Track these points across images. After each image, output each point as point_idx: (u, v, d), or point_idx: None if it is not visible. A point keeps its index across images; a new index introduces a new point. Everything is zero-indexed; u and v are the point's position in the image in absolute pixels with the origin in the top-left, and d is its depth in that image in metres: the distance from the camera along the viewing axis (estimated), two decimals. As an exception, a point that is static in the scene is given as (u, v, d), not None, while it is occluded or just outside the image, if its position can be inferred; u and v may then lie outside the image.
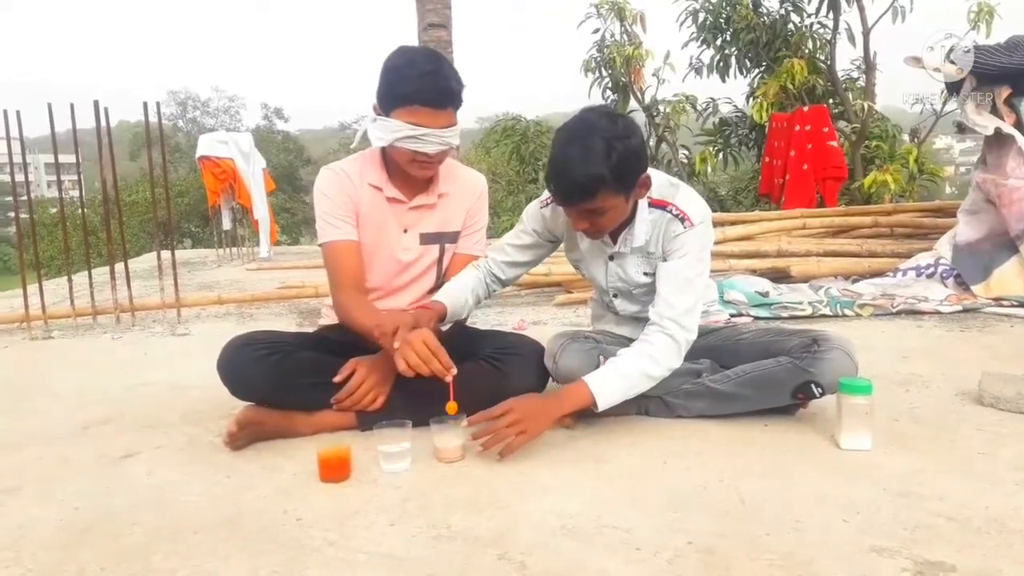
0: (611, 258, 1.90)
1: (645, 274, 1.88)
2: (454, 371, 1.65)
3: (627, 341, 2.00)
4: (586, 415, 1.85)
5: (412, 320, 1.72)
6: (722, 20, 8.24)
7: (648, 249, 1.84)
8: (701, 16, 8.37)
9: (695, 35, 8.46)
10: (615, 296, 1.98)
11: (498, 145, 13.03)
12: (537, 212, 1.95)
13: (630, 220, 1.81)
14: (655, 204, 1.80)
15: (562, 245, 2.04)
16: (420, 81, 1.74)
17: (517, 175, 12.81)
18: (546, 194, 1.92)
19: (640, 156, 1.70)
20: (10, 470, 1.71)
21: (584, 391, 1.68)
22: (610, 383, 1.70)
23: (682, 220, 1.78)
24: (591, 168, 1.61)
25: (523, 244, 1.99)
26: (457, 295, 1.89)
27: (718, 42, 8.37)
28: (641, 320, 2.00)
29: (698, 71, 8.60)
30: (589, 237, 1.84)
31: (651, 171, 1.76)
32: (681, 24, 8.45)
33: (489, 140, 14.08)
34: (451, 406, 1.65)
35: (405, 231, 1.96)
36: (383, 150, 1.89)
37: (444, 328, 1.88)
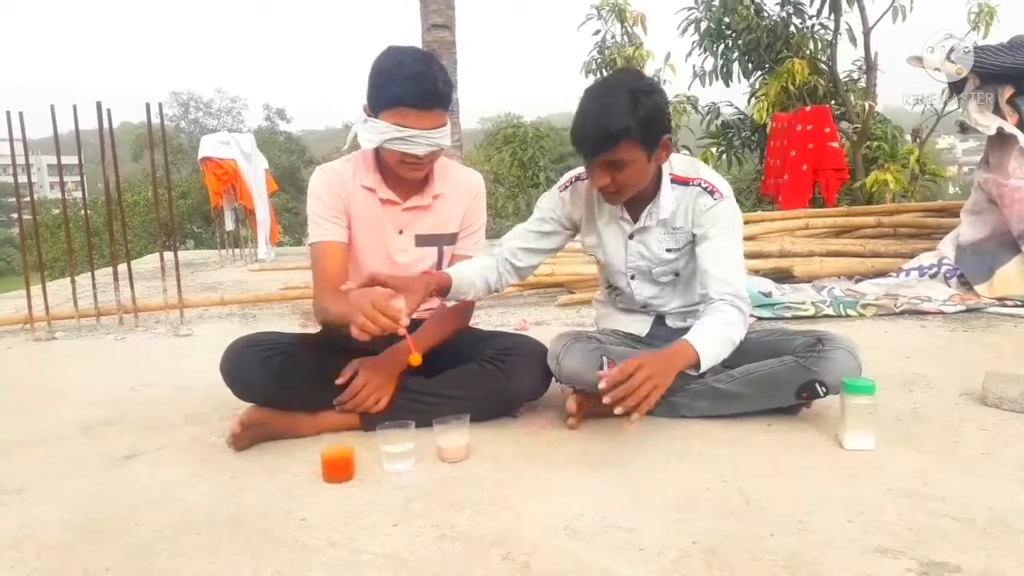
0: (631, 237, 1.90)
1: (668, 250, 1.87)
2: (405, 322, 1.57)
3: (633, 340, 2.00)
4: (587, 416, 1.86)
5: (382, 290, 1.63)
6: (723, 25, 8.23)
7: (674, 224, 1.84)
8: (703, 25, 8.36)
9: (697, 43, 8.45)
10: (632, 278, 1.96)
11: (499, 152, 13.10)
12: (556, 196, 1.95)
13: (653, 195, 1.82)
14: (678, 180, 1.83)
15: (578, 238, 2.02)
16: (407, 83, 1.73)
17: (519, 180, 12.87)
18: (564, 179, 1.94)
19: (664, 113, 1.71)
20: (14, 470, 1.72)
21: (690, 350, 1.64)
22: (709, 344, 1.66)
23: (711, 192, 1.80)
24: (616, 116, 1.64)
25: (542, 231, 1.96)
26: (466, 275, 1.84)
27: (720, 49, 8.36)
28: (649, 314, 2.00)
29: (702, 79, 8.59)
30: (608, 201, 1.83)
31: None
32: (683, 32, 8.45)
33: (491, 148, 14.19)
34: (414, 357, 1.63)
35: (400, 232, 1.95)
36: (376, 151, 1.88)
37: (448, 304, 1.88)
